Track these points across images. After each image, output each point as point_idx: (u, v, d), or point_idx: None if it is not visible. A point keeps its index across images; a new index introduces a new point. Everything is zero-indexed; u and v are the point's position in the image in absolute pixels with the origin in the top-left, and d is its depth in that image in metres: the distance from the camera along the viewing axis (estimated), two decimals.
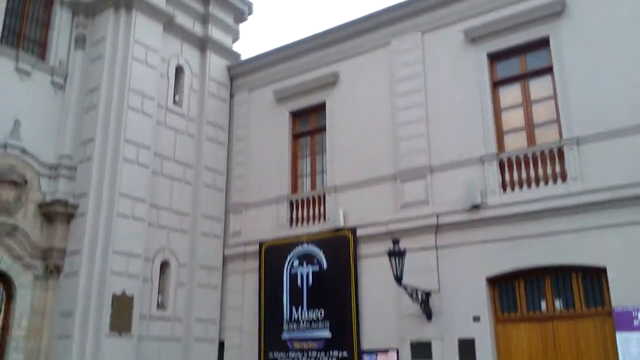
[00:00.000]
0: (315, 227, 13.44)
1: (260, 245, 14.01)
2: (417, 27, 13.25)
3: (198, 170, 14.78)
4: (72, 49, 14.10)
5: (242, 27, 17.17)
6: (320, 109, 14.47)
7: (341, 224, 12.91)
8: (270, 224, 14.17)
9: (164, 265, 13.66)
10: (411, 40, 13.27)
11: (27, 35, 13.73)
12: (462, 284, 11.11)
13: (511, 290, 11.02)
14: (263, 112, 15.36)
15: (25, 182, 12.61)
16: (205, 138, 15.04)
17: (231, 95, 16.09)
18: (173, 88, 14.84)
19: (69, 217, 12.90)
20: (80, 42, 14.13)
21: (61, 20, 14.12)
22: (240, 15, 16.86)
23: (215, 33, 15.97)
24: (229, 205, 15.14)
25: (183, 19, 15.31)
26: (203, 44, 15.71)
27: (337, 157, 13.71)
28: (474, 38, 12.38)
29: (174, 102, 14.81)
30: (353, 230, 12.73)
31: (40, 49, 13.86)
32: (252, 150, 15.28)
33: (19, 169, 12.59)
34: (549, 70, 11.56)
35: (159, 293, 13.38)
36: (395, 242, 10.78)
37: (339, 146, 13.76)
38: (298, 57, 14.96)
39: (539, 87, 11.73)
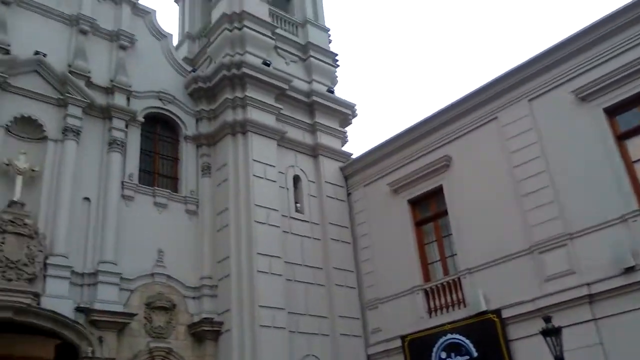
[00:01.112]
0: (456, 314, 13.01)
1: (403, 339, 13.72)
2: (523, 95, 13.18)
3: (328, 272, 15.05)
4: (199, 177, 15.33)
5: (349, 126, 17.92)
6: (438, 193, 14.45)
7: (483, 307, 12.41)
8: (409, 316, 13.92)
9: None
10: (519, 110, 13.18)
11: (160, 171, 15.17)
12: (635, 357, 10.10)
13: None
14: (381, 205, 15.58)
15: (174, 306, 13.43)
16: (330, 239, 15.43)
17: (348, 194, 16.55)
18: (293, 197, 15.58)
19: (216, 334, 13.45)
20: (206, 170, 15.36)
21: (187, 153, 15.50)
22: (345, 120, 17.69)
23: (324, 139, 16.79)
24: (363, 302, 15.13)
25: (293, 133, 16.30)
26: (315, 151, 16.54)
27: (465, 238, 13.45)
28: (585, 96, 12.07)
29: (296, 209, 15.46)
30: (498, 313, 12.18)
31: (172, 182, 15.21)
32: (377, 245, 15.39)
33: (167, 294, 13.48)
34: None
35: None
36: (547, 319, 10.13)
37: (464, 227, 13.54)
38: (407, 146, 15.25)
39: None
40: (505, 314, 12.08)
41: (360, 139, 43.82)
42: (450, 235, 13.96)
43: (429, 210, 14.83)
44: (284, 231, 14.68)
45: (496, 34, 42.56)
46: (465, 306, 12.95)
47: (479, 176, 13.55)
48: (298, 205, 15.60)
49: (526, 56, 13.67)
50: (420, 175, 14.75)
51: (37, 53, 13.40)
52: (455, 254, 13.71)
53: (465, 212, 13.62)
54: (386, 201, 15.46)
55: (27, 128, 12.96)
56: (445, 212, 14.16)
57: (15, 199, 11.92)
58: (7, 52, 12.99)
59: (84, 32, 14.63)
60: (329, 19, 19.83)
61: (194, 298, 13.88)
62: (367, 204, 16.05)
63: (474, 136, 14.00)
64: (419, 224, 14.86)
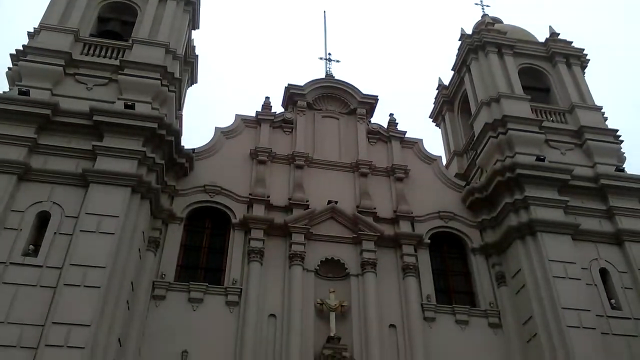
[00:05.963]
0: None
1: None
2: None
3: None
4: (496, 288, 14.90)
5: None
6: None
7: None
8: None
9: None
10: None
11: (455, 288, 15.26)
12: None
13: None
14: None
15: None
16: None
17: None
18: (605, 293, 13.99)
19: None
20: (500, 279, 14.93)
21: (478, 266, 15.39)
22: None
23: (628, 223, 15.16)
24: None
25: (588, 223, 15.08)
26: (618, 238, 14.90)
27: None
28: None
29: (612, 307, 13.78)
30: None
31: (468, 297, 15.11)
32: None
33: None
34: None
35: None
36: None
37: None
38: None
39: None
40: None
41: None
42: None
43: None
44: (603, 333, 13.09)
45: None
46: None
47: None
48: (612, 301, 13.87)
49: None
50: None
51: (329, 202, 15.36)
52: None
53: None
54: None
55: (332, 268, 14.58)
56: None
57: (331, 334, 13.17)
58: (307, 207, 15.19)
59: (364, 175, 16.39)
60: (599, 95, 18.46)
61: None
62: None
63: None
64: None
